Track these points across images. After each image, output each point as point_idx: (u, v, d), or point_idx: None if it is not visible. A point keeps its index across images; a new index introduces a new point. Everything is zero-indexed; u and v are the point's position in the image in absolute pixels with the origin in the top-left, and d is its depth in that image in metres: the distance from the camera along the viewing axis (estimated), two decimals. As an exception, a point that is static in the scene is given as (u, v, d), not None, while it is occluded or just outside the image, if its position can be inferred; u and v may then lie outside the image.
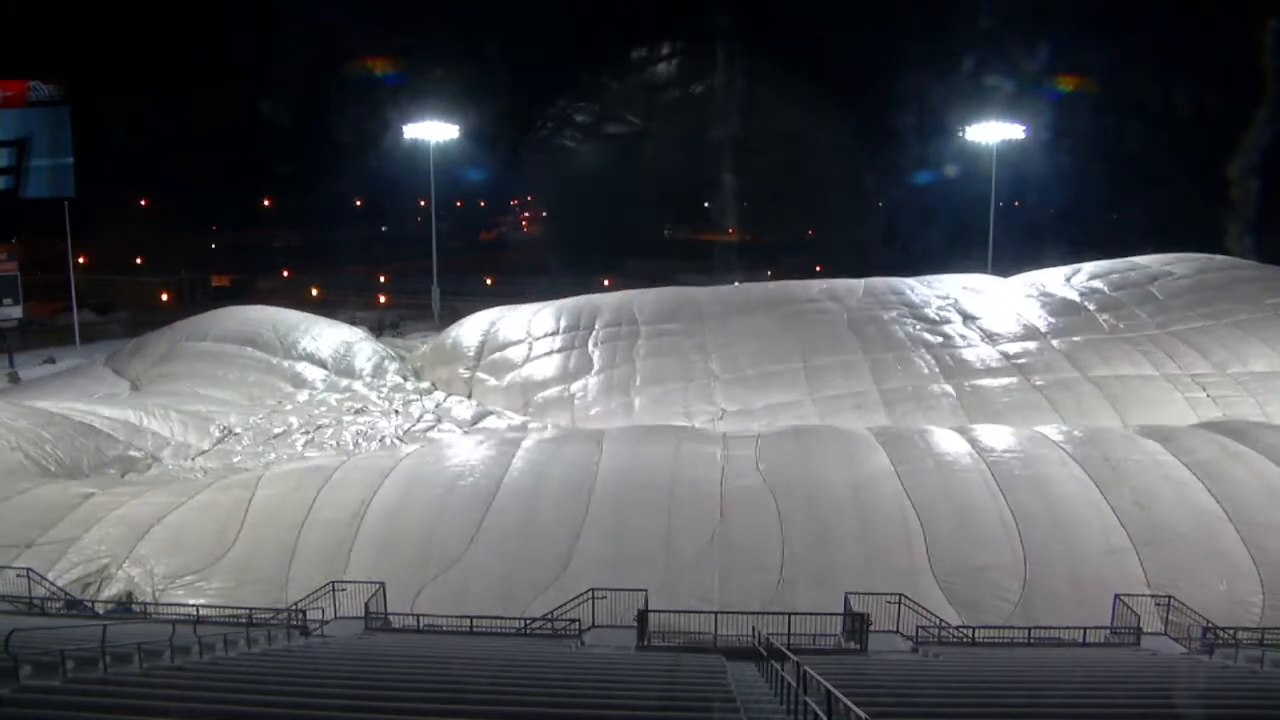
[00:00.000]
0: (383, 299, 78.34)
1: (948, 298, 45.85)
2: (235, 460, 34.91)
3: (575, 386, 41.64)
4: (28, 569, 22.98)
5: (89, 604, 22.44)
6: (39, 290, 63.44)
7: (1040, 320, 42.69)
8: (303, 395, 43.22)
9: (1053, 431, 28.47)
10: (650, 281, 55.91)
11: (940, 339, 41.69)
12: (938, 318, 43.74)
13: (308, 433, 37.87)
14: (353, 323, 54.27)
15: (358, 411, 41.04)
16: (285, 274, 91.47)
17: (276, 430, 37.96)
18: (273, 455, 35.52)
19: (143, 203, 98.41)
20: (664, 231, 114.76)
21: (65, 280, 58.81)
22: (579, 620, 20.13)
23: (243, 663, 15.08)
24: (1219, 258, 46.70)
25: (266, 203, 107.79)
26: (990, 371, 38.95)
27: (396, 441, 37.39)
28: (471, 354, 45.86)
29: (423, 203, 76.78)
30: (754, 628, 18.81)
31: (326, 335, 48.12)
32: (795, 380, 39.59)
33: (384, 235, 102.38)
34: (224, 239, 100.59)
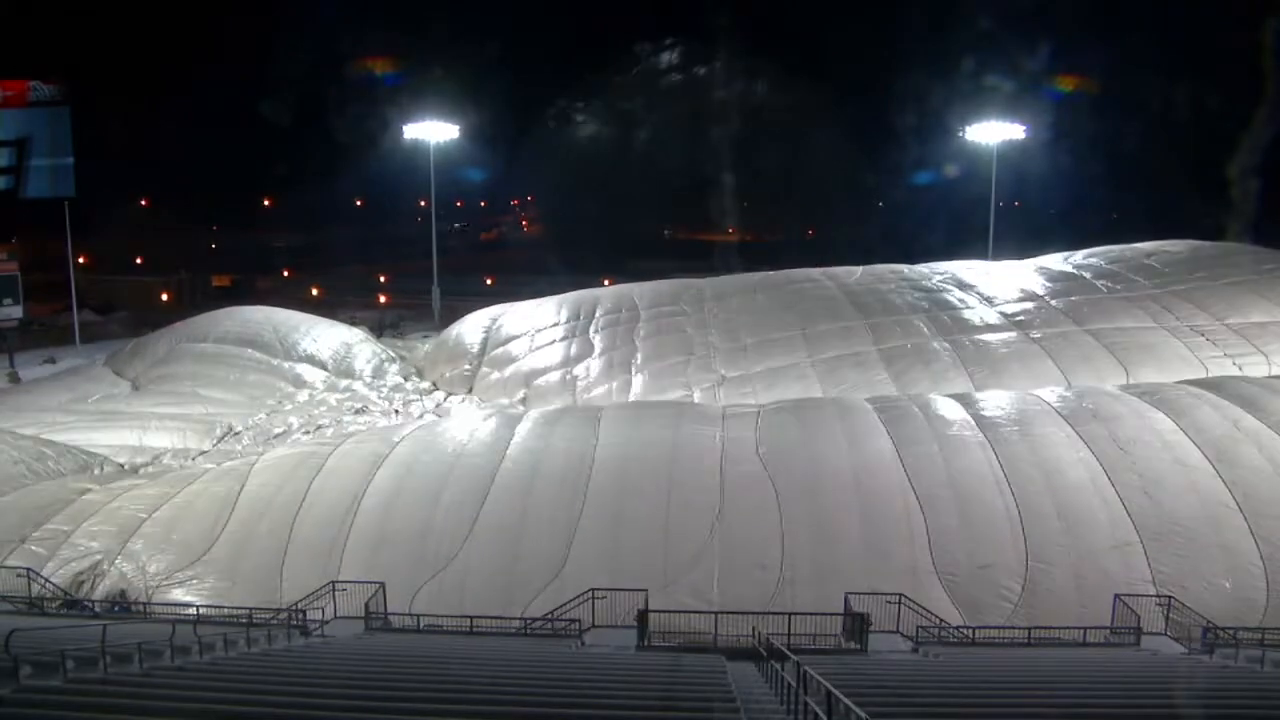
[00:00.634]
0: (383, 299, 78.36)
1: (946, 274, 46.21)
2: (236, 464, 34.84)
3: (577, 369, 41.72)
4: (28, 569, 23.00)
5: (89, 604, 22.44)
6: (39, 290, 63.42)
7: (1038, 287, 42.82)
8: (303, 396, 43.26)
9: (1054, 398, 27.63)
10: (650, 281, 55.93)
11: (938, 305, 41.73)
12: (936, 288, 43.93)
13: (308, 432, 37.87)
14: (352, 323, 54.33)
15: (358, 411, 41.09)
16: (285, 274, 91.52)
17: (277, 430, 38.03)
18: (272, 456, 35.52)
19: (143, 202, 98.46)
20: (664, 231, 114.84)
21: (65, 280, 58.84)
22: (579, 620, 20.12)
23: (243, 663, 15.08)
24: (1214, 242, 47.03)
25: (266, 203, 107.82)
26: (989, 328, 39.05)
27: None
28: (475, 349, 45.96)
29: (423, 203, 76.77)
30: (754, 628, 18.82)
31: (326, 336, 48.18)
32: (794, 345, 39.61)
33: (384, 235, 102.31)
34: (224, 239, 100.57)
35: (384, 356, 47.95)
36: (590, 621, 20.14)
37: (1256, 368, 33.41)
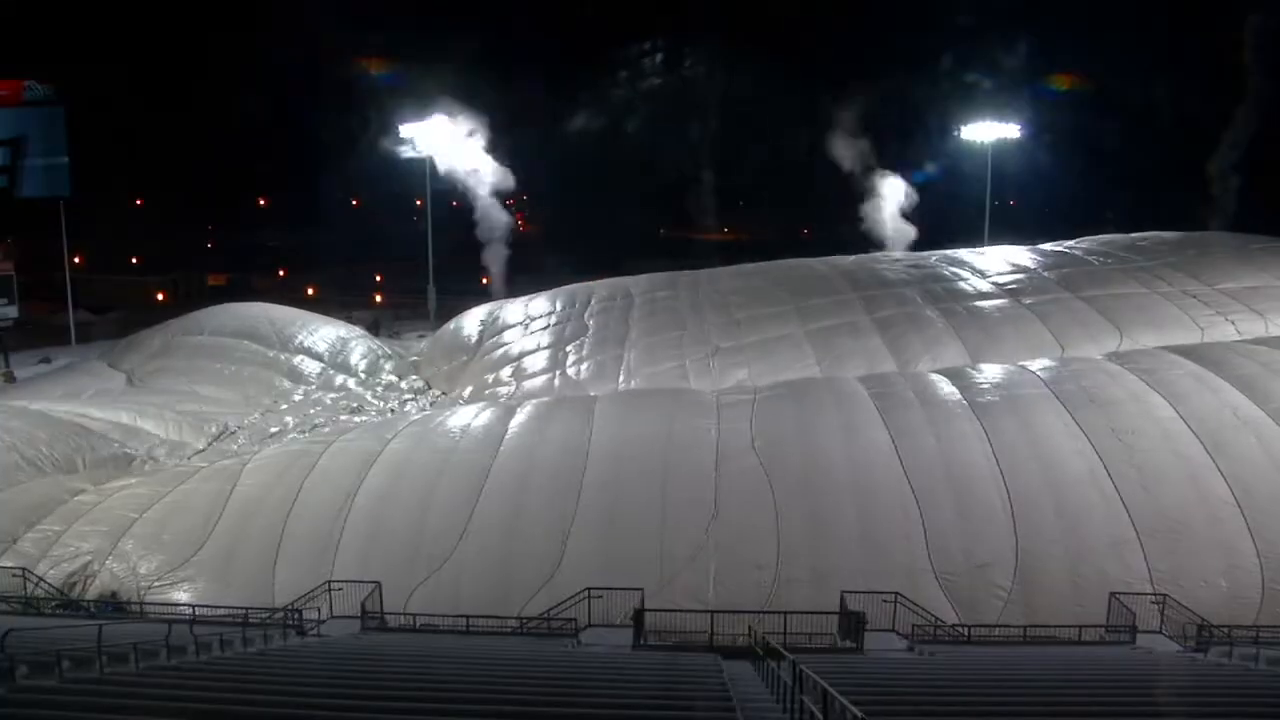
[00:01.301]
0: (378, 298, 78.30)
1: (940, 255, 46.66)
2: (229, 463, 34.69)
3: (569, 347, 41.79)
4: (23, 569, 22.98)
5: (85, 604, 22.42)
6: (34, 290, 63.25)
7: (1030, 262, 43.05)
8: (299, 393, 43.23)
9: (1050, 376, 27.39)
10: (647, 281, 55.98)
11: (932, 278, 41.91)
12: (927, 264, 44.30)
13: (303, 432, 37.88)
14: (349, 321, 54.29)
15: (353, 410, 41.10)
16: (281, 273, 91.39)
17: (272, 429, 37.96)
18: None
19: (138, 202, 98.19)
20: (660, 230, 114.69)
21: (61, 280, 58.69)
22: (575, 619, 20.14)
23: (239, 662, 15.08)
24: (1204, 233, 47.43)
25: (262, 202, 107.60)
26: (982, 295, 39.16)
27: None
28: (472, 341, 46.13)
29: (419, 202, 76.67)
30: (750, 626, 18.85)
31: (322, 331, 48.32)
32: (787, 318, 39.69)
33: (380, 234, 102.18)
34: (220, 238, 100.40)
35: (379, 353, 47.99)
36: (586, 621, 20.16)
37: (1252, 324, 33.22)
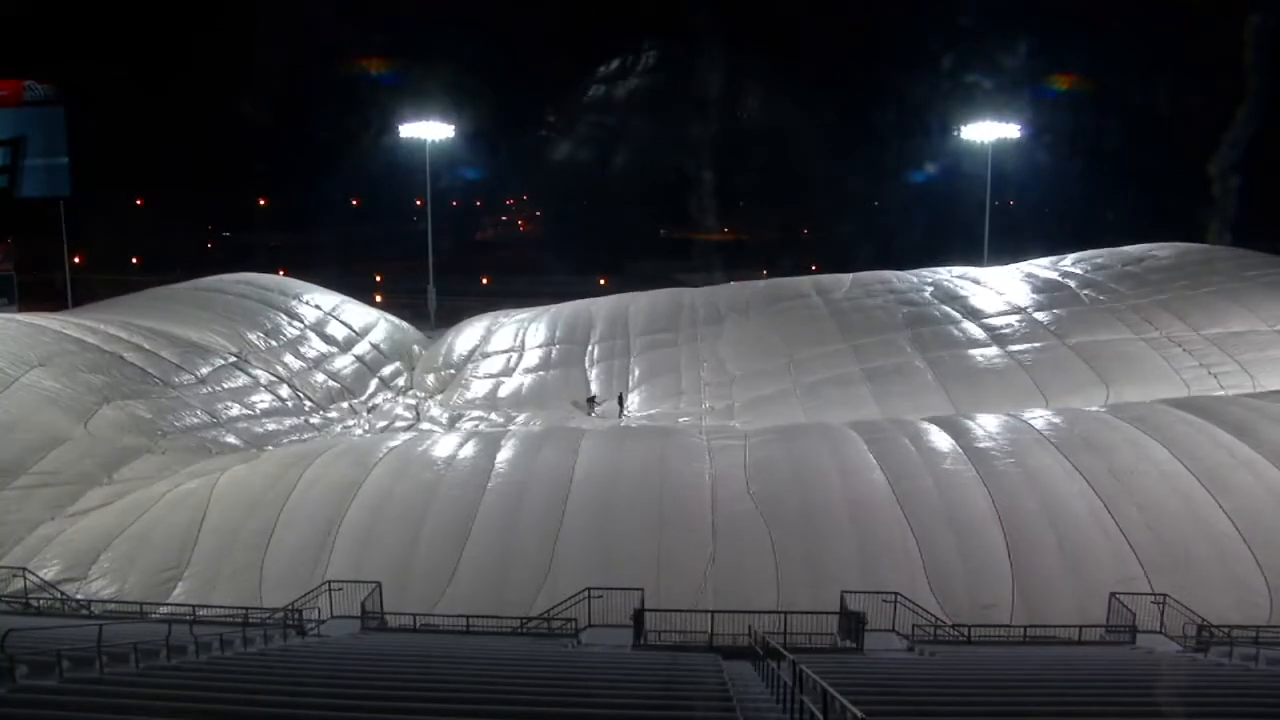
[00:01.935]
0: (378, 298, 78.23)
1: (933, 284, 46.60)
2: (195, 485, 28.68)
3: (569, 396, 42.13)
4: (23, 569, 22.96)
5: (85, 604, 22.39)
6: (34, 290, 63.23)
7: (1023, 298, 43.44)
8: (294, 329, 45.08)
9: (1044, 424, 27.05)
10: (647, 281, 56.12)
11: (922, 319, 42.32)
12: (920, 300, 44.50)
13: (283, 401, 38.52)
14: None
15: (334, 399, 41.98)
16: (281, 273, 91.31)
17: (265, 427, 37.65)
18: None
19: (138, 202, 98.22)
20: (660, 231, 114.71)
21: (61, 280, 58.71)
22: (575, 619, 20.13)
23: (239, 662, 15.07)
24: (1201, 245, 47.54)
25: (262, 202, 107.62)
26: (970, 343, 39.63)
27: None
28: (464, 361, 46.47)
29: (419, 202, 76.68)
30: (750, 626, 18.83)
31: (321, 298, 50.21)
32: (780, 375, 40.16)
33: (380, 234, 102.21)
34: (220, 238, 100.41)
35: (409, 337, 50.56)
36: (586, 621, 20.15)
37: (1232, 378, 33.49)
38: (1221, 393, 31.93)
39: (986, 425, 27.51)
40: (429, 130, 63.12)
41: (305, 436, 35.71)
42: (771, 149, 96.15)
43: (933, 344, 39.71)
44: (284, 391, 39.22)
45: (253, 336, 42.44)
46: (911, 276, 48.12)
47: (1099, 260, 46.99)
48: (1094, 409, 29.57)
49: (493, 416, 40.44)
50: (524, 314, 50.15)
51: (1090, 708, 12.09)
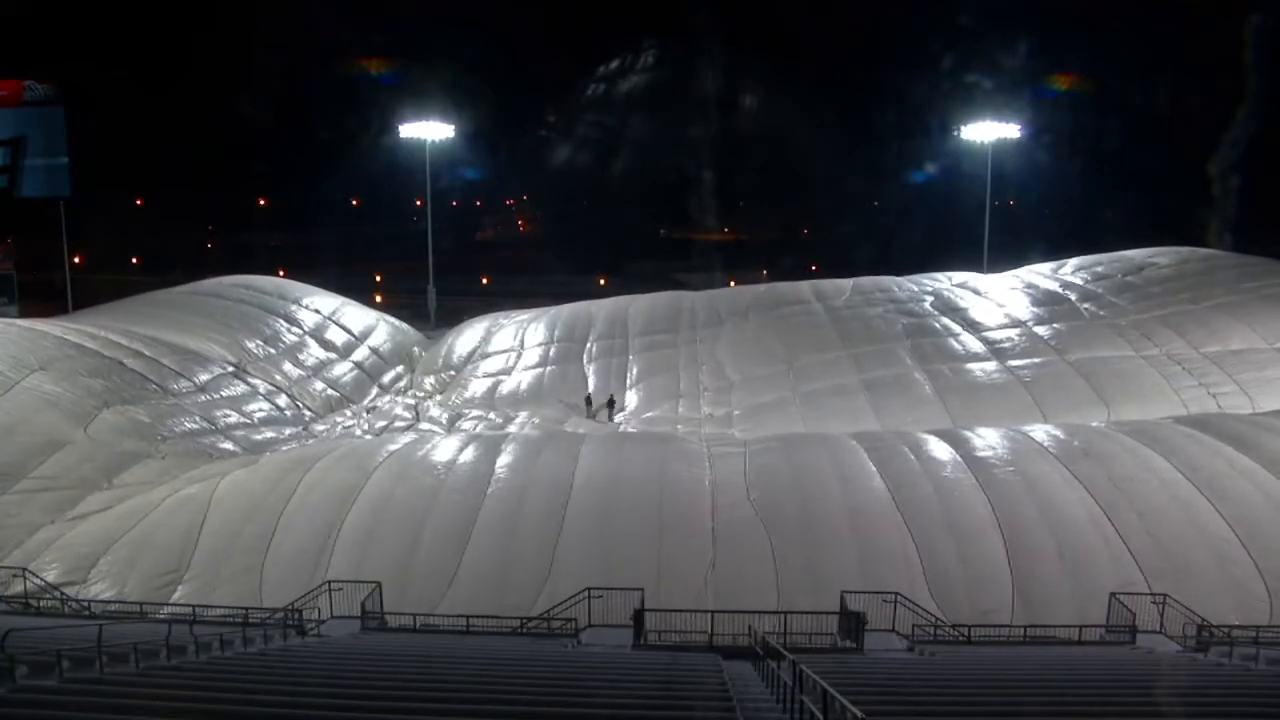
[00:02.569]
0: (378, 298, 78.25)
1: (934, 293, 46.45)
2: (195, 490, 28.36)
3: (568, 400, 42.12)
4: (23, 569, 22.96)
5: (86, 604, 22.39)
6: (34, 290, 63.26)
7: (1023, 310, 43.42)
8: (291, 336, 44.74)
9: (1045, 436, 27.06)
10: (647, 281, 56.19)
11: (922, 330, 42.27)
12: (921, 311, 44.40)
13: (280, 408, 38.48)
14: None
15: (334, 405, 41.81)
16: (281, 273, 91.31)
17: (260, 413, 37.70)
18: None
19: (138, 202, 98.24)
20: (660, 231, 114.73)
21: (61, 280, 58.74)
22: (575, 619, 20.13)
23: (239, 662, 15.07)
24: (1203, 250, 47.46)
25: (262, 202, 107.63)
26: (970, 356, 39.57)
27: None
28: (464, 362, 46.48)
29: (419, 202, 76.71)
30: (750, 627, 18.84)
31: (320, 301, 49.82)
32: (779, 382, 40.11)
33: (380, 234, 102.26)
34: (220, 238, 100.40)
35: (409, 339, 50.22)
36: (586, 621, 20.15)
37: (1231, 399, 33.55)
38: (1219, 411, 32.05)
39: (987, 436, 27.59)
40: (429, 130, 63.12)
41: (304, 444, 35.50)
42: (771, 149, 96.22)
43: (933, 356, 39.69)
44: (282, 401, 39.15)
45: (251, 345, 42.30)
46: (911, 285, 48.05)
47: (1099, 269, 46.91)
48: (1094, 424, 29.67)
49: (491, 415, 40.39)
50: (524, 315, 50.24)
51: (1090, 708, 12.09)
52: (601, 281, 76.88)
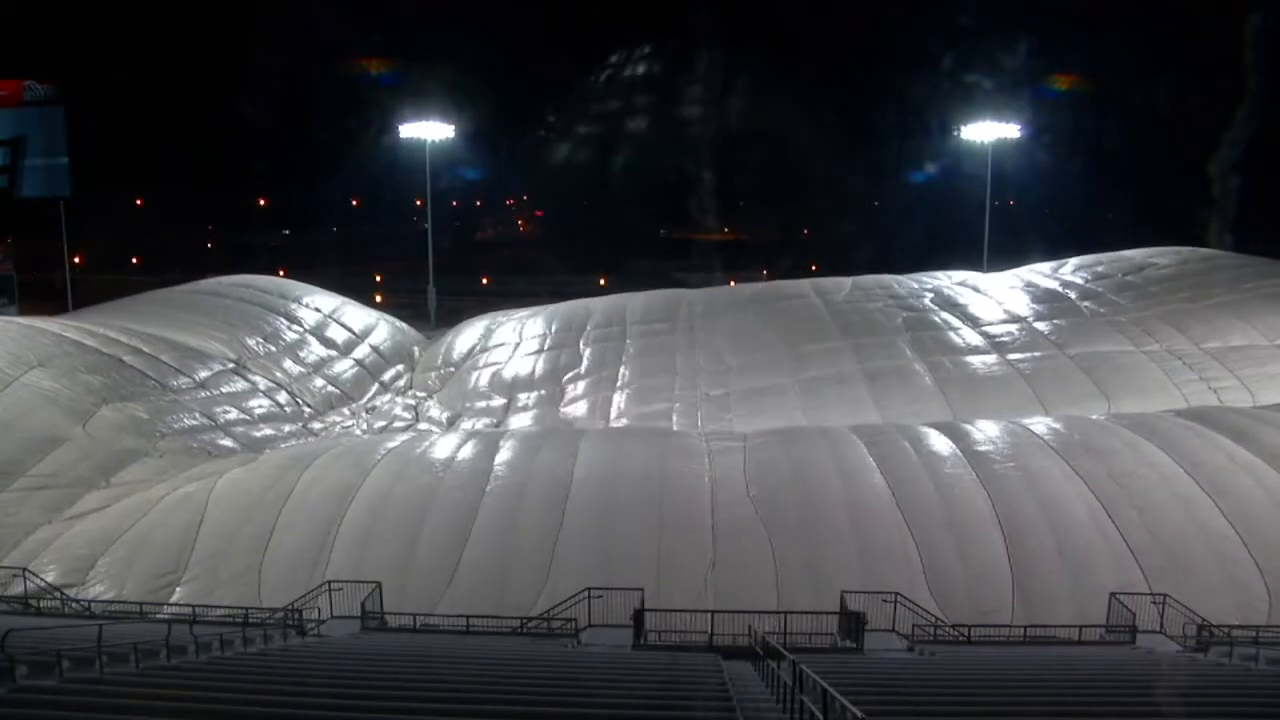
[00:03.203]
0: (378, 298, 78.26)
1: (933, 290, 46.50)
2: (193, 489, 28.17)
3: (564, 380, 42.10)
4: (24, 569, 22.95)
5: (86, 604, 22.39)
6: (34, 290, 63.27)
7: (1023, 307, 43.41)
8: (292, 334, 44.74)
9: (1044, 430, 27.02)
10: (646, 280, 56.21)
11: (922, 324, 42.20)
12: (921, 306, 44.39)
13: (281, 405, 38.51)
14: None
15: (334, 404, 41.77)
16: (281, 273, 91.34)
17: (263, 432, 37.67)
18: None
19: (138, 202, 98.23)
20: (660, 231, 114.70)
21: (61, 280, 58.75)
22: (575, 619, 20.13)
23: (239, 662, 15.07)
24: (1203, 250, 47.50)
25: (262, 202, 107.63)
26: (970, 349, 39.48)
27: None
28: (464, 357, 46.40)
29: (419, 202, 76.73)
30: (750, 627, 18.83)
31: (320, 299, 49.94)
32: (779, 366, 39.92)
33: (380, 234, 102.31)
34: (220, 238, 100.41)
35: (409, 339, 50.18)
36: (586, 621, 20.14)
37: (1231, 394, 33.49)
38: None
39: (986, 430, 27.56)
40: (429, 130, 63.12)
41: (303, 441, 35.60)
42: (771, 149, 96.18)
43: (933, 349, 39.61)
44: (282, 397, 39.17)
45: (251, 342, 42.34)
46: (911, 282, 48.11)
47: (1099, 269, 46.98)
48: (1095, 417, 29.63)
49: (491, 402, 40.64)
50: (523, 312, 50.43)
51: (1090, 708, 12.09)
52: (601, 281, 76.84)
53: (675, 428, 36.03)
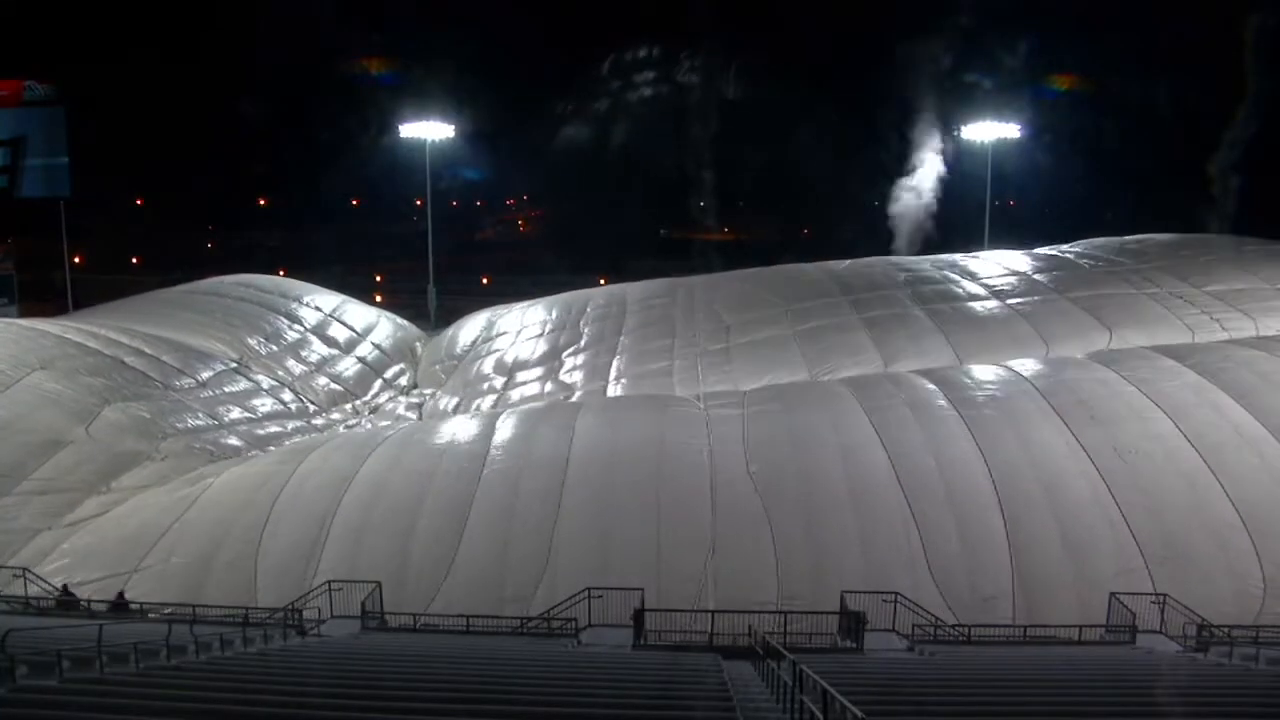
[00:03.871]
0: (378, 298, 78.28)
1: (932, 260, 46.99)
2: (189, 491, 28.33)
3: (564, 354, 42.41)
4: (24, 569, 22.95)
5: (85, 604, 22.39)
6: (34, 290, 63.27)
7: (1024, 265, 43.40)
8: (293, 333, 44.83)
9: (1046, 384, 26.79)
10: (646, 280, 56.15)
11: (923, 280, 42.24)
12: (922, 269, 44.65)
13: (283, 402, 38.47)
14: None
15: (335, 402, 41.77)
16: (281, 273, 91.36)
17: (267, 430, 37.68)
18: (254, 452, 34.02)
19: (138, 202, 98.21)
20: (660, 231, 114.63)
21: (61, 280, 58.74)
22: (575, 619, 20.13)
23: (240, 662, 15.08)
24: (1202, 235, 47.73)
25: (262, 202, 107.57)
26: (970, 297, 39.49)
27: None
28: (466, 347, 46.71)
29: (419, 202, 76.71)
30: (750, 626, 18.84)
31: (322, 299, 49.98)
32: (777, 320, 39.93)
33: (380, 235, 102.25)
34: (219, 238, 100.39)
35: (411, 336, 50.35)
36: (586, 621, 20.15)
37: (1235, 322, 33.17)
38: (1225, 335, 31.62)
39: (983, 380, 27.51)
40: (429, 130, 63.10)
41: (308, 438, 35.62)
42: (771, 149, 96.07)
43: (933, 299, 39.39)
44: (286, 395, 39.19)
45: (253, 341, 42.35)
46: (910, 259, 49.18)
47: (1096, 243, 47.20)
48: (1083, 357, 29.56)
49: (494, 383, 40.93)
50: (524, 304, 50.64)
51: (1090, 708, 12.09)
52: (601, 281, 76.74)
53: (676, 385, 35.80)
